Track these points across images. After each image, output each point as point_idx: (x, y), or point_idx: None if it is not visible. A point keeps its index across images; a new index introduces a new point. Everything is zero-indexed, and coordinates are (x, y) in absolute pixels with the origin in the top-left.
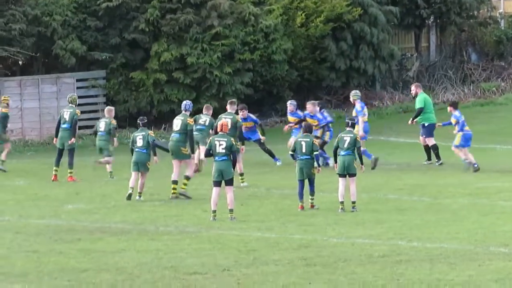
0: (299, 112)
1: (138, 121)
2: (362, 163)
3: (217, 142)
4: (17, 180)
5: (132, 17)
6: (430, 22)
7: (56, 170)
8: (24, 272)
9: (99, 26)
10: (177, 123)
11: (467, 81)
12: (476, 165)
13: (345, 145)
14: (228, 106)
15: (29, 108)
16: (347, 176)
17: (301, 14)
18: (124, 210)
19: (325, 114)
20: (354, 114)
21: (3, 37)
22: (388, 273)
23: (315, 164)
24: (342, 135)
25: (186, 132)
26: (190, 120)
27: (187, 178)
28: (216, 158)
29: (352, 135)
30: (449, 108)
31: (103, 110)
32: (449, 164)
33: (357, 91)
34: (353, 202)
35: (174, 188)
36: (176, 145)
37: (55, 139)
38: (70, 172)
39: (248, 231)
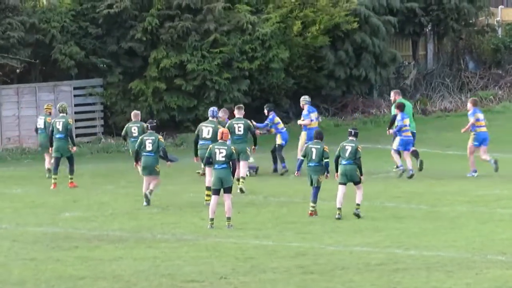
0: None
1: (146, 124)
2: (361, 173)
3: (217, 150)
4: (14, 188)
5: (130, 25)
6: (428, 30)
7: (55, 178)
8: (22, 280)
9: (98, 33)
10: (207, 130)
11: (464, 89)
12: (412, 171)
13: (347, 155)
14: (236, 112)
15: (26, 116)
16: (353, 184)
17: (298, 23)
18: (121, 218)
19: (270, 117)
20: (301, 118)
21: (1, 45)
22: (385, 282)
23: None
24: (344, 144)
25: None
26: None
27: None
28: (216, 166)
29: (353, 145)
30: (396, 110)
31: (100, 118)
32: (447, 172)
33: (306, 96)
34: (358, 205)
35: (208, 195)
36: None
37: (50, 149)
38: (71, 178)
39: (245, 239)
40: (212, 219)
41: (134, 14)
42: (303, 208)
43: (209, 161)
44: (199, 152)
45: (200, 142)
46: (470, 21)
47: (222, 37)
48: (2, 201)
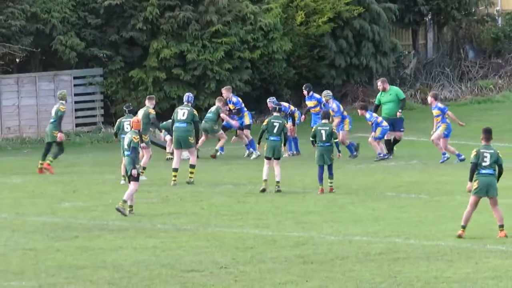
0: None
1: (124, 108)
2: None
3: (126, 138)
4: (14, 178)
5: (130, 15)
6: (428, 19)
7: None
8: (21, 270)
9: (98, 23)
10: (182, 112)
11: (464, 79)
12: (386, 155)
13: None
14: (147, 102)
15: (26, 105)
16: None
17: (302, 13)
18: None
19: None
20: (331, 113)
21: (3, 34)
22: (385, 271)
23: (335, 150)
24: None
25: (192, 121)
26: (195, 111)
27: (193, 166)
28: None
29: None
30: (360, 112)
31: (100, 108)
32: (447, 162)
33: (329, 92)
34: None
35: (175, 176)
36: (185, 135)
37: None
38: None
39: (245, 228)
40: (131, 206)
41: (134, 5)
42: (302, 198)
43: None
44: (174, 133)
45: (177, 124)
46: (470, 10)
47: (224, 27)
48: (1, 191)
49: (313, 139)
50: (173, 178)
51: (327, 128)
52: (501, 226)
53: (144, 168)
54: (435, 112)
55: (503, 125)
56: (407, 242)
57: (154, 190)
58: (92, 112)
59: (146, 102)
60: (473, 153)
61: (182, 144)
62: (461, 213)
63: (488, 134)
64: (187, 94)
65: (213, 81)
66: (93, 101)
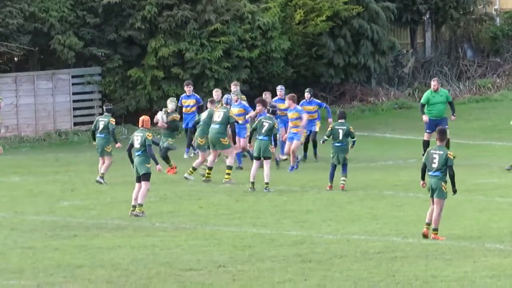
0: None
1: (103, 107)
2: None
3: (135, 137)
4: (12, 177)
5: (128, 14)
6: (426, 18)
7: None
8: (20, 268)
9: (96, 22)
10: (218, 114)
11: (462, 78)
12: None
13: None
14: (209, 104)
15: (24, 104)
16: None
17: (301, 12)
18: (120, 206)
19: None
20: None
21: (1, 33)
22: (384, 270)
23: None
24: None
25: (227, 123)
26: (232, 113)
27: (229, 168)
28: (135, 153)
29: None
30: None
31: (99, 107)
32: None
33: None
34: (434, 230)
35: (208, 173)
36: (216, 137)
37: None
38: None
39: (243, 227)
40: (134, 206)
41: (132, 4)
42: (301, 197)
43: (131, 150)
44: (209, 134)
45: (211, 125)
46: (469, 9)
47: (222, 26)
48: (0, 190)
49: (327, 138)
50: (206, 175)
51: (345, 127)
52: (435, 230)
53: (194, 169)
54: (294, 114)
55: (501, 124)
56: (405, 240)
57: (153, 189)
58: (90, 111)
59: (208, 105)
60: (425, 153)
61: (216, 145)
62: (458, 212)
63: (441, 134)
64: (225, 96)
65: (212, 80)
66: (91, 100)
